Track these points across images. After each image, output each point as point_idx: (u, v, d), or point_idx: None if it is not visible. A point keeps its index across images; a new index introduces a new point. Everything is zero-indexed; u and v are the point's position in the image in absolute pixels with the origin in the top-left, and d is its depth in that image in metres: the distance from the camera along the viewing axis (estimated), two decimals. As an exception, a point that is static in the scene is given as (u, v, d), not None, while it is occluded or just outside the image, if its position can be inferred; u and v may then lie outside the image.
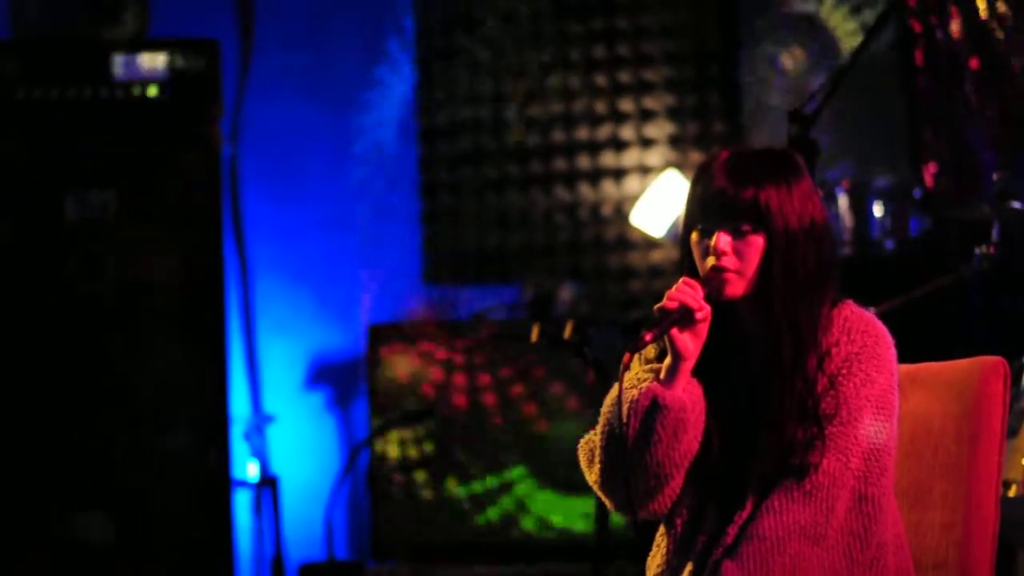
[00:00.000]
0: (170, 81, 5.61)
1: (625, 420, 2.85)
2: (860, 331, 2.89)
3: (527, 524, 5.94)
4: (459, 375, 5.98)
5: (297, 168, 6.48)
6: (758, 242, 2.86)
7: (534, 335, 4.62)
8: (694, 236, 2.91)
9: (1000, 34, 5.42)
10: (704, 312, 2.85)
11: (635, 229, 6.26)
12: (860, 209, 5.73)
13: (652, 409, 2.85)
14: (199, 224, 5.63)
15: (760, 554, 2.80)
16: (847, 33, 6.22)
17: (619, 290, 6.42)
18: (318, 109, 6.51)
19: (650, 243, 6.35)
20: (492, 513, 5.97)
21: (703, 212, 2.89)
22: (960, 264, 4.57)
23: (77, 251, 5.58)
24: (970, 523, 3.00)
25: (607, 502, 2.96)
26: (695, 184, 2.92)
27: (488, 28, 6.49)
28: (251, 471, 6.25)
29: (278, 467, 6.30)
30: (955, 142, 5.67)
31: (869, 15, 6.10)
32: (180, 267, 5.61)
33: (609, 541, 4.85)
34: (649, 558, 2.97)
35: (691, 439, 2.87)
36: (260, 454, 6.30)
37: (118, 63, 5.61)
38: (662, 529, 2.96)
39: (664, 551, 2.94)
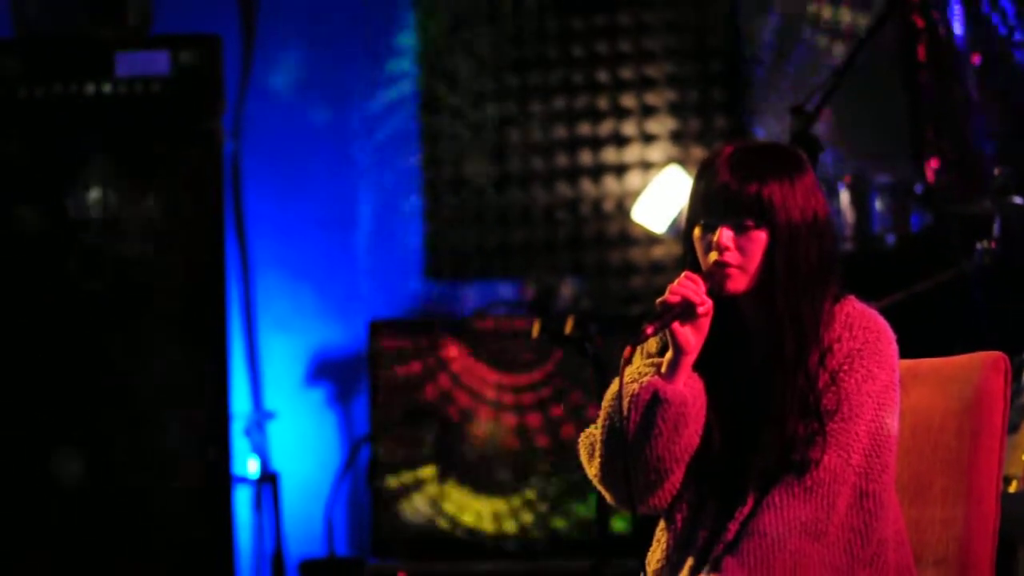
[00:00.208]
0: (172, 78, 5.60)
1: (626, 414, 2.85)
2: (862, 327, 2.88)
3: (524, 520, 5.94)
4: (460, 371, 5.97)
5: (299, 165, 6.48)
6: (761, 237, 2.86)
7: (535, 331, 4.62)
8: (697, 231, 2.90)
9: (1002, 29, 5.42)
10: (706, 306, 2.85)
11: (637, 225, 6.26)
12: (862, 204, 5.74)
13: (653, 403, 2.84)
14: (200, 220, 5.63)
15: (761, 550, 2.79)
16: (849, 29, 6.21)
17: (621, 286, 6.42)
18: (320, 106, 6.51)
19: (652, 239, 6.34)
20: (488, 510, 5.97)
21: (706, 207, 2.89)
22: (961, 259, 4.58)
23: (78, 249, 5.57)
24: (971, 519, 3.00)
25: (607, 496, 2.96)
26: (698, 179, 2.92)
27: (491, 24, 6.48)
28: (252, 467, 6.25)
29: (279, 463, 6.30)
30: (957, 137, 5.67)
31: (872, 11, 6.10)
32: (181, 264, 5.61)
33: (609, 538, 4.84)
34: (649, 553, 2.96)
35: (692, 433, 2.87)
36: (261, 450, 6.29)
37: (120, 60, 5.60)
38: (662, 524, 2.95)
39: (664, 547, 2.93)
